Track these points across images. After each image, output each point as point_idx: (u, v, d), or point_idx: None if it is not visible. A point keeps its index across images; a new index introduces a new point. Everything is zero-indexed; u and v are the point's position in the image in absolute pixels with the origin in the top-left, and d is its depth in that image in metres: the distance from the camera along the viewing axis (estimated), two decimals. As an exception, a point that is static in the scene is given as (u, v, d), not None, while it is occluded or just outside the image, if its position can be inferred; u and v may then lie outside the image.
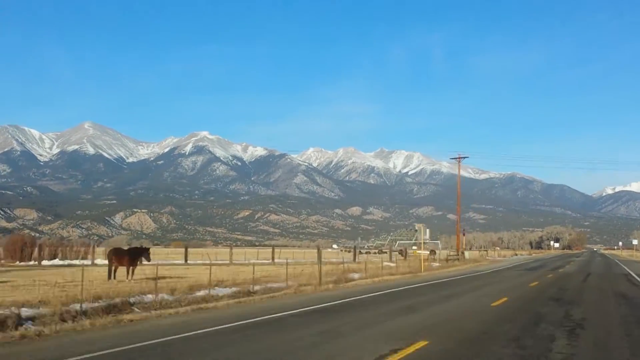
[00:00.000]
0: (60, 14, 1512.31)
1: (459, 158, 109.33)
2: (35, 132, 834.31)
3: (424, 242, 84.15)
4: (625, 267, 73.56)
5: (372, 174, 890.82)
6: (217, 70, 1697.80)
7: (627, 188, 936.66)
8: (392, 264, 65.26)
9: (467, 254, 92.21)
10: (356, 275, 44.75)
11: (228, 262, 72.17)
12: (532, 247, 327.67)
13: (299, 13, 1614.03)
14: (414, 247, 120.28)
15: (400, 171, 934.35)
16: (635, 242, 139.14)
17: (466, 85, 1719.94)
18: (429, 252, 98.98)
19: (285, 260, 49.96)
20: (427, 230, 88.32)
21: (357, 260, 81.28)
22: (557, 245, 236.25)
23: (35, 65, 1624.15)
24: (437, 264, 74.05)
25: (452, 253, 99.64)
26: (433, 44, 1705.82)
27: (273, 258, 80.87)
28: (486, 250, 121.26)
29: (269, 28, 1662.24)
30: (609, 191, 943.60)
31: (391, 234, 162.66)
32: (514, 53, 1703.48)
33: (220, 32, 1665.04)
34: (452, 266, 72.18)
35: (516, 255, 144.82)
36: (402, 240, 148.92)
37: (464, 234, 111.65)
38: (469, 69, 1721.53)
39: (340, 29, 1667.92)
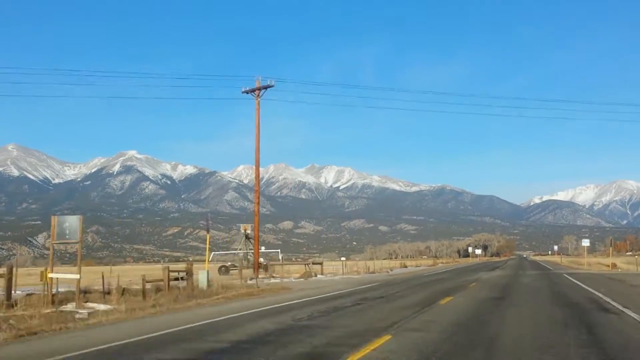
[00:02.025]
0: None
1: (258, 89, 52.26)
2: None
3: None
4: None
5: (304, 189, 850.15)
6: (145, 89, 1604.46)
7: (554, 197, 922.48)
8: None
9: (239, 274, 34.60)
10: None
11: None
12: (459, 256, 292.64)
13: (225, 30, 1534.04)
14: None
15: (331, 186, 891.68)
16: (586, 243, 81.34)
17: (395, 99, 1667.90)
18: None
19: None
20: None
21: None
22: (478, 252, 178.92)
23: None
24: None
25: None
26: (361, 60, 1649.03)
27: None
28: (320, 263, 63.14)
29: (195, 45, 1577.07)
30: (537, 200, 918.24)
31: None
32: (441, 66, 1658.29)
33: (147, 50, 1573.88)
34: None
35: (405, 267, 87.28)
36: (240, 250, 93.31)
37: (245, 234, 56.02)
38: (397, 83, 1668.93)
39: (267, 46, 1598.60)
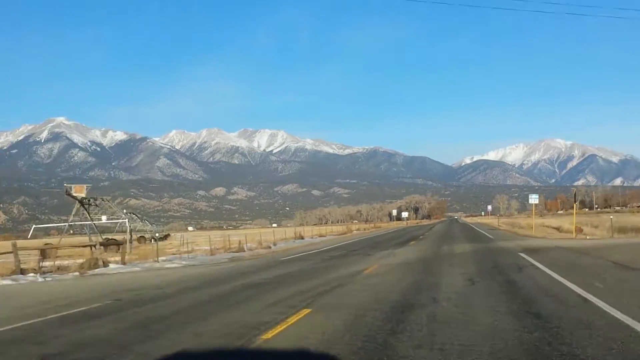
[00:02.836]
0: None
1: None
2: None
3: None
4: None
5: (237, 154, 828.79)
6: (73, 52, 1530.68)
7: (485, 157, 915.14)
8: None
9: None
10: None
11: None
12: (390, 219, 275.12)
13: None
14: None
15: (264, 150, 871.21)
16: (534, 199, 57.39)
17: (330, 61, 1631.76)
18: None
19: None
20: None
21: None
22: (405, 215, 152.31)
23: None
24: None
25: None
26: (296, 22, 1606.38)
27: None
28: (119, 244, 39.02)
29: (129, 7, 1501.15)
30: (468, 161, 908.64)
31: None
32: (375, 30, 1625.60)
33: (76, 10, 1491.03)
34: None
35: (302, 238, 61.87)
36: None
37: None
38: (332, 46, 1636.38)
39: (202, 8, 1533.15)
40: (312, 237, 65.37)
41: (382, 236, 63.41)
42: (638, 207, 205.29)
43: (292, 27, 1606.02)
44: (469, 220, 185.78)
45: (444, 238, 49.20)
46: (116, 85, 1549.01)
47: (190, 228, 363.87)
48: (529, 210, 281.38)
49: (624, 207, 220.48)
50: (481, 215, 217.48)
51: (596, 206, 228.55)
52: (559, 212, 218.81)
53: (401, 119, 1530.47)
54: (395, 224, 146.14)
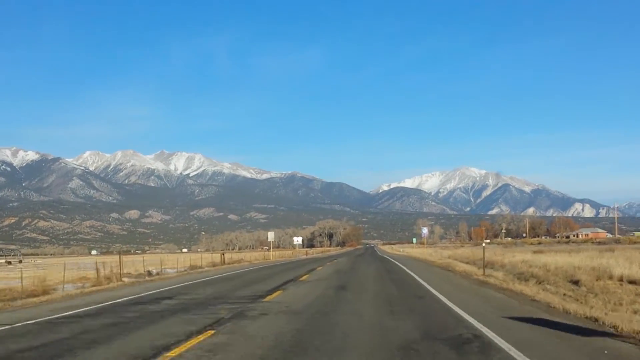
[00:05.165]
0: None
1: None
2: None
3: None
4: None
5: (153, 177, 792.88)
6: None
7: (402, 185, 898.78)
8: None
9: None
10: None
11: None
12: (304, 245, 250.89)
13: (75, 14, 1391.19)
14: None
15: (181, 173, 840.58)
16: None
17: (248, 87, 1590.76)
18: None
19: None
20: None
21: None
22: (297, 241, 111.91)
23: None
24: None
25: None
26: (216, 46, 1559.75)
27: None
28: None
29: (42, 29, 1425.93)
30: (385, 188, 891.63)
31: None
32: (295, 55, 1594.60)
33: None
34: None
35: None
36: None
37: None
38: (251, 71, 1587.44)
39: (120, 31, 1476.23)
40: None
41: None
42: (567, 237, 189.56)
43: (207, 52, 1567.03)
44: (389, 250, 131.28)
45: None
46: (27, 104, 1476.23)
47: (94, 252, 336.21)
48: (446, 239, 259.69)
49: (547, 237, 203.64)
50: (411, 244, 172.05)
51: (523, 235, 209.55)
52: (486, 240, 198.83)
53: (318, 145, 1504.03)
54: (290, 254, 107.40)
